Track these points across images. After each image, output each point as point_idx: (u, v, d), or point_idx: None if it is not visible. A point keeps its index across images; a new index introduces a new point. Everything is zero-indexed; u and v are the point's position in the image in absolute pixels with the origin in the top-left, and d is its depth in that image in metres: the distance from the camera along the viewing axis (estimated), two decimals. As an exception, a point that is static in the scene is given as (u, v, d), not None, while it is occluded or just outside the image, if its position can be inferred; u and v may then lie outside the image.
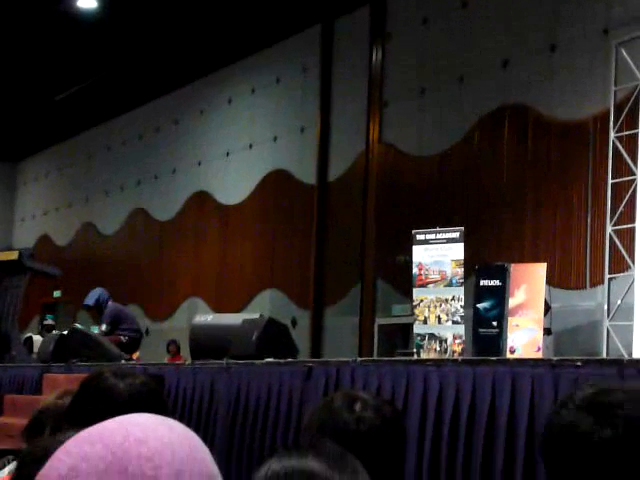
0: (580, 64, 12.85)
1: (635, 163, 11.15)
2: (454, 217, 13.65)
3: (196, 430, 1.26)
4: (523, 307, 10.97)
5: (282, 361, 8.04)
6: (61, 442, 1.78)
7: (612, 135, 11.43)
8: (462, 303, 11.66)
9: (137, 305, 20.64)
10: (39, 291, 20.68)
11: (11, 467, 3.49)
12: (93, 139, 24.97)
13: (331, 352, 15.85)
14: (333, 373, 6.90)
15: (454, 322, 11.71)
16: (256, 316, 10.60)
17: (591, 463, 1.76)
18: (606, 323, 11.05)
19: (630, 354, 10.15)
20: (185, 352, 14.56)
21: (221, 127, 20.21)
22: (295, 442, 6.64)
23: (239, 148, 19.60)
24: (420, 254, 12.04)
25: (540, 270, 11.11)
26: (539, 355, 10.40)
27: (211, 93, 20.47)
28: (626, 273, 11.21)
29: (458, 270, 11.72)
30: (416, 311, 12.07)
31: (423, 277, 12.00)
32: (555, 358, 5.90)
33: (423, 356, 11.46)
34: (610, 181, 11.39)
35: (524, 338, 10.86)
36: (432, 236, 12.01)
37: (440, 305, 11.82)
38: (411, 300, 12.45)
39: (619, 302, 11.06)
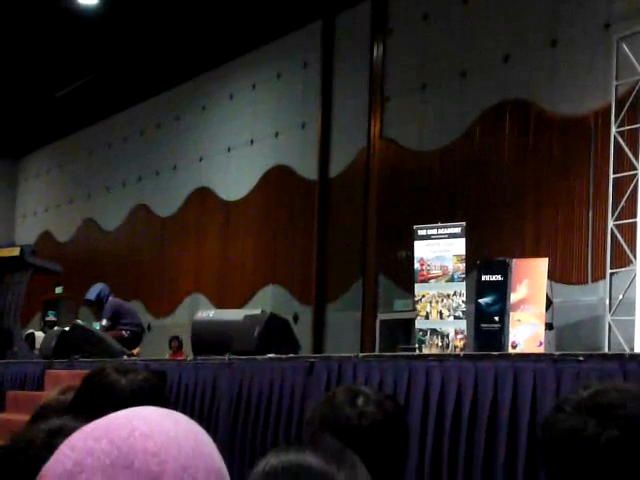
0: (581, 59, 12.84)
1: (636, 158, 11.14)
2: (456, 212, 13.64)
3: (198, 426, 1.26)
4: (525, 302, 10.97)
5: (284, 357, 8.04)
6: (44, 431, 1.78)
7: (613, 130, 11.42)
8: (464, 298, 11.66)
9: (139, 301, 20.64)
10: (41, 287, 20.69)
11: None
12: (94, 135, 24.97)
13: (333, 348, 15.86)
14: (335, 368, 6.90)
15: (456, 317, 11.71)
16: (258, 312, 10.60)
17: (598, 465, 1.76)
18: (608, 318, 11.05)
19: (632, 349, 10.16)
20: (187, 348, 14.57)
21: (222, 123, 20.20)
22: (297, 437, 6.65)
23: (240, 144, 19.60)
24: (422, 249, 12.04)
25: (542, 265, 11.11)
26: (541, 350, 10.41)
27: (212, 89, 20.46)
28: (628, 268, 11.21)
29: (460, 265, 11.72)
30: (418, 306, 12.07)
31: (425, 272, 12.00)
32: (557, 353, 5.90)
33: (425, 351, 11.46)
34: (611, 176, 11.39)
35: (526, 333, 10.86)
36: (434, 231, 12.01)
37: (442, 300, 11.82)
38: (413, 295, 12.45)
39: (621, 297, 11.06)
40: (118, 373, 2.73)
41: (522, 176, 13.46)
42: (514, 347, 10.76)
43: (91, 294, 13.13)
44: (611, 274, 11.29)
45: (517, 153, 13.63)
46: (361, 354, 7.15)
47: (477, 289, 11.40)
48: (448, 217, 12.88)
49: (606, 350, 10.46)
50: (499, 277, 11.16)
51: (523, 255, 12.33)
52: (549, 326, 11.21)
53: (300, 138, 18.06)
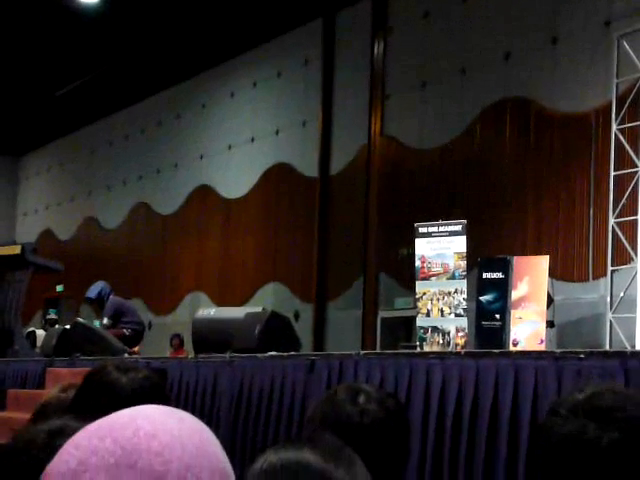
0: (582, 56, 12.83)
1: (637, 155, 11.14)
2: (456, 210, 13.64)
3: (199, 424, 1.26)
4: (526, 300, 10.96)
5: (285, 354, 8.04)
6: (45, 431, 1.78)
7: (614, 127, 11.42)
8: (465, 296, 11.66)
9: (140, 299, 20.65)
10: (42, 285, 20.68)
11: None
12: (95, 134, 24.97)
13: (334, 345, 15.87)
14: (336, 366, 6.90)
15: (457, 315, 11.71)
16: (259, 310, 10.61)
17: (600, 469, 1.75)
18: (609, 315, 11.05)
19: (633, 346, 10.16)
20: (188, 346, 14.57)
21: (223, 121, 20.20)
22: (298, 435, 6.65)
23: (241, 142, 19.60)
24: (422, 247, 12.03)
25: (543, 262, 11.10)
26: (542, 347, 10.40)
27: (213, 87, 20.46)
28: (629, 265, 11.21)
29: (461, 263, 11.72)
30: (419, 304, 12.06)
31: (426, 270, 12.00)
32: (558, 350, 5.89)
33: (426, 349, 11.46)
34: (612, 173, 11.39)
35: (527, 331, 10.86)
36: (434, 229, 12.00)
37: (443, 298, 11.81)
38: (414, 293, 12.44)
39: (622, 294, 11.06)
40: (119, 371, 2.73)
41: (523, 174, 13.46)
42: (515, 345, 10.76)
43: (92, 292, 13.14)
44: (612, 271, 11.29)
45: (518, 151, 13.62)
46: (362, 352, 7.15)
47: (478, 287, 11.39)
48: (449, 215, 12.87)
49: (607, 348, 10.46)
50: (500, 275, 11.15)
51: (524, 253, 12.33)
52: (550, 324, 11.20)
53: (301, 136, 18.06)
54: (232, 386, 8.00)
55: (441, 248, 11.88)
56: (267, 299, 17.62)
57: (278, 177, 18.43)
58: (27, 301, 15.17)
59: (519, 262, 11.19)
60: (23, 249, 14.70)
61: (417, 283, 12.14)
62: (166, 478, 1.14)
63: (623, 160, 11.42)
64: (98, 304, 13.16)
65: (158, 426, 1.18)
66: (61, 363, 11.03)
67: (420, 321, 12.05)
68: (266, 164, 18.74)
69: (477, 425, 5.74)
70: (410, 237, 12.61)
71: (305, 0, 17.17)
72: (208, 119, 20.73)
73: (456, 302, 11.72)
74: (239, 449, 7.63)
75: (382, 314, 15.53)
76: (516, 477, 5.39)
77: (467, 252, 11.68)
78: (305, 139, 17.89)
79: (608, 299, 11.20)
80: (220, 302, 18.25)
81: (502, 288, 11.10)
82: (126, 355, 11.38)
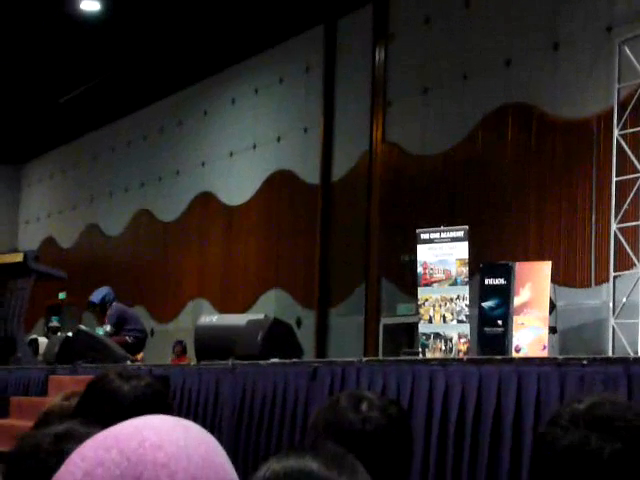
0: (583, 62, 12.84)
1: (639, 160, 11.14)
2: (458, 216, 13.64)
3: (201, 431, 1.26)
4: (528, 305, 10.94)
5: (287, 361, 8.04)
6: (50, 436, 1.78)
7: (616, 133, 11.42)
8: (467, 302, 11.64)
9: (142, 306, 20.65)
10: (44, 293, 20.68)
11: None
12: (97, 141, 24.99)
13: (336, 352, 15.85)
14: (338, 373, 6.90)
15: (459, 321, 11.69)
16: (261, 316, 10.60)
17: (603, 479, 1.75)
18: (612, 321, 11.04)
19: (636, 352, 10.14)
20: (191, 353, 14.57)
21: (225, 128, 20.22)
22: (301, 442, 6.64)
23: (243, 148, 19.61)
24: (424, 253, 12.01)
25: (545, 268, 11.08)
26: (545, 354, 10.39)
27: (214, 94, 20.48)
28: (631, 271, 11.20)
29: (463, 269, 11.70)
30: (421, 310, 12.05)
31: (428, 276, 11.98)
32: (561, 357, 5.89)
33: (428, 355, 11.45)
34: (614, 179, 11.38)
35: (529, 337, 10.84)
36: (436, 235, 11.98)
37: (445, 304, 11.80)
38: (416, 299, 12.43)
39: (624, 300, 11.05)
40: (121, 379, 2.73)
41: (525, 179, 13.45)
42: (517, 351, 10.74)
43: (96, 296, 13.15)
44: (614, 277, 11.28)
45: (519, 156, 13.62)
46: (364, 359, 7.15)
47: (480, 293, 11.37)
48: (451, 221, 12.86)
49: (610, 353, 10.45)
50: (502, 281, 11.13)
51: (526, 258, 12.32)
52: (553, 330, 11.19)
53: (302, 142, 18.06)
54: (234, 393, 8.00)
55: (443, 254, 11.86)
56: (269, 306, 17.61)
57: (280, 184, 18.44)
58: (29, 308, 15.19)
59: (521, 268, 11.18)
60: (25, 257, 14.73)
61: (419, 289, 12.12)
62: None
63: (625, 165, 11.42)
64: (100, 309, 13.16)
65: (164, 437, 1.18)
66: (63, 371, 11.04)
67: (422, 327, 12.04)
68: (268, 171, 18.75)
69: (480, 431, 5.73)
70: (412, 243, 12.60)
71: (306, 7, 17.18)
72: (210, 126, 20.75)
73: (458, 308, 11.71)
74: (241, 456, 7.62)
75: (384, 320, 15.52)
76: (519, 483, 5.38)
77: (469, 258, 11.67)
78: (307, 145, 17.89)
79: (610, 305, 11.19)
80: (222, 309, 18.25)
81: (504, 294, 11.08)
82: (128, 362, 11.38)
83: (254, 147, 19.32)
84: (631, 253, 11.12)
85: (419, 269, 12.09)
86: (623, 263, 11.34)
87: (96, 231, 24.67)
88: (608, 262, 11.47)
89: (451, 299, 11.76)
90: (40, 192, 28.05)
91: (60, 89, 21.76)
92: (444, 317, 11.80)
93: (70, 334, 12.54)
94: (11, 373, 12.35)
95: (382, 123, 16.23)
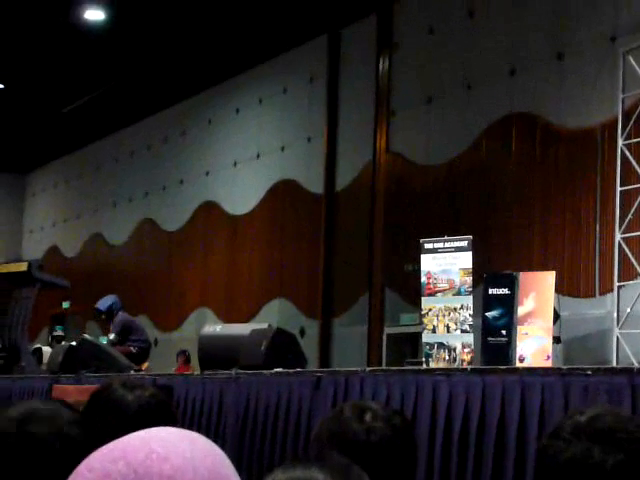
0: (587, 72, 12.84)
1: (643, 170, 11.13)
2: (462, 226, 13.63)
3: (205, 441, 1.26)
4: (532, 315, 10.93)
5: (291, 371, 8.03)
6: (13, 419, 1.77)
7: (620, 142, 11.41)
8: (471, 312, 11.64)
9: (146, 315, 20.64)
10: (48, 302, 20.69)
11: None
12: (101, 150, 25.02)
13: (340, 362, 15.84)
14: (342, 383, 6.90)
15: (463, 331, 11.68)
16: (264, 326, 10.60)
17: None
18: (616, 331, 11.02)
19: (640, 362, 10.12)
20: (194, 362, 14.56)
21: (228, 137, 20.24)
22: (304, 452, 6.63)
23: (246, 158, 19.62)
24: (428, 263, 12.02)
25: (549, 278, 11.07)
26: (548, 364, 10.37)
27: (218, 103, 20.50)
28: (635, 281, 11.19)
29: (466, 279, 11.70)
30: (425, 320, 12.04)
31: (431, 286, 11.98)
32: (565, 367, 5.89)
33: (432, 365, 11.44)
34: (618, 189, 11.38)
35: (533, 347, 10.83)
36: (440, 245, 11.99)
37: (449, 314, 11.79)
38: (419, 309, 12.42)
39: (629, 310, 11.04)
40: (125, 389, 2.73)
41: (529, 189, 13.45)
42: (521, 361, 10.73)
43: (103, 304, 13.15)
44: (619, 287, 11.27)
45: (523, 166, 13.62)
46: (368, 368, 7.15)
47: (484, 302, 11.37)
48: (454, 230, 12.86)
49: (614, 363, 10.43)
50: (506, 290, 11.13)
51: (530, 268, 12.30)
52: (557, 339, 11.17)
53: (306, 152, 18.07)
54: (238, 402, 8.00)
55: (447, 264, 11.87)
56: (273, 315, 17.60)
57: (284, 193, 18.45)
58: (33, 318, 15.19)
59: (525, 278, 11.17)
60: (29, 266, 14.74)
61: (423, 299, 12.12)
62: None
63: (629, 175, 11.41)
64: (107, 317, 13.15)
65: (170, 449, 1.18)
66: (67, 380, 11.03)
67: (426, 337, 12.03)
68: (271, 180, 18.76)
69: (484, 442, 5.72)
70: (416, 253, 12.60)
71: (310, 17, 17.21)
72: (213, 135, 20.77)
73: (462, 318, 11.70)
74: (245, 465, 7.62)
75: (388, 330, 15.50)
76: (523, 494, 5.37)
77: (473, 268, 11.67)
78: (310, 155, 17.90)
79: (615, 315, 11.17)
80: (226, 318, 18.25)
81: (508, 304, 11.08)
82: (132, 372, 11.38)
83: (258, 157, 19.34)
84: (635, 263, 11.11)
85: (423, 279, 12.09)
86: (627, 273, 11.33)
87: (100, 240, 24.68)
88: (612, 272, 11.46)
89: (455, 309, 11.76)
90: (44, 201, 28.09)
91: (64, 99, 21.80)
92: (448, 327, 11.80)
93: (74, 343, 12.53)
94: (15, 382, 12.35)
95: (386, 132, 16.24)
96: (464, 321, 11.68)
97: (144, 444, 1.19)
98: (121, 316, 12.97)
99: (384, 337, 15.49)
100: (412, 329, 14.28)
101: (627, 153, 11.36)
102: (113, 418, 2.59)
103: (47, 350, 15.91)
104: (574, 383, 5.30)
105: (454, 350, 11.69)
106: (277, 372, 8.11)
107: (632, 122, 11.38)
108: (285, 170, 18.45)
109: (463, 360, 11.52)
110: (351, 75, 17.27)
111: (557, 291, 11.24)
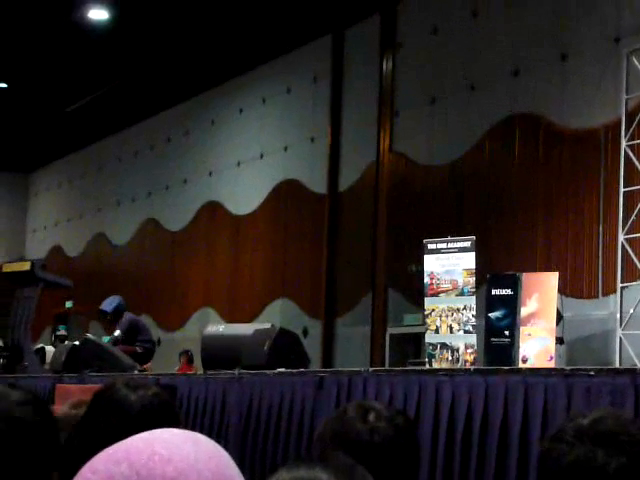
0: (591, 73, 12.83)
1: (647, 171, 11.13)
2: (465, 226, 13.63)
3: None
4: (535, 316, 10.93)
5: (294, 371, 8.03)
6: None
7: (623, 144, 11.41)
8: (474, 312, 11.64)
9: (149, 315, 20.64)
10: (51, 302, 20.71)
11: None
12: (104, 150, 25.04)
13: (342, 362, 15.84)
14: (345, 383, 6.90)
15: (466, 331, 11.68)
16: (267, 326, 10.59)
17: None
18: (619, 332, 11.02)
19: (643, 363, 10.12)
20: (197, 362, 14.57)
21: (232, 137, 20.24)
22: (308, 452, 6.64)
23: (250, 158, 19.62)
24: (431, 263, 12.02)
25: (552, 279, 11.07)
26: (551, 364, 10.37)
27: (222, 103, 20.50)
28: (638, 282, 11.18)
29: (469, 279, 11.70)
30: (428, 320, 12.05)
31: (434, 286, 11.99)
32: (568, 368, 5.88)
33: (435, 366, 11.44)
34: (622, 190, 11.37)
35: (536, 347, 10.83)
36: (443, 245, 11.99)
37: (452, 314, 11.79)
38: (422, 309, 12.43)
39: (632, 311, 11.03)
40: (128, 388, 2.73)
41: (532, 190, 13.44)
42: (524, 361, 10.72)
43: (108, 305, 13.10)
44: (622, 288, 11.26)
45: (527, 167, 13.61)
46: (371, 368, 7.15)
47: (487, 303, 11.37)
48: (457, 231, 12.86)
49: (617, 364, 10.43)
50: (509, 291, 11.13)
51: (533, 269, 12.30)
52: (560, 340, 11.17)
53: (309, 152, 18.08)
54: (241, 402, 8.00)
55: (450, 264, 11.87)
56: (276, 315, 17.61)
57: (287, 193, 18.45)
58: (36, 317, 15.20)
59: (528, 278, 11.17)
60: (33, 265, 14.75)
61: (426, 299, 12.12)
62: None
63: (633, 176, 11.41)
64: (112, 317, 13.10)
65: (174, 451, 1.18)
66: (70, 379, 11.04)
67: (429, 338, 12.04)
68: (275, 180, 18.76)
69: (487, 442, 5.72)
70: (419, 253, 12.60)
71: (314, 17, 17.21)
72: (217, 135, 20.77)
73: (465, 319, 11.70)
74: (248, 465, 7.62)
75: (391, 330, 15.50)
76: (526, 495, 5.37)
77: (476, 268, 11.67)
78: (314, 155, 17.90)
79: (618, 316, 11.17)
80: (229, 318, 18.25)
81: (511, 305, 11.08)
82: (136, 372, 11.38)
83: (261, 157, 19.34)
84: (638, 264, 11.10)
85: (426, 279, 12.09)
86: (630, 274, 11.32)
87: (103, 240, 24.70)
88: (615, 273, 11.45)
89: (458, 309, 11.76)
90: (47, 201, 28.11)
91: (67, 98, 21.81)
92: (451, 327, 11.80)
93: (77, 343, 12.54)
94: (18, 382, 12.34)
95: (389, 133, 16.24)
96: (467, 322, 11.68)
97: (147, 446, 1.19)
98: (128, 316, 12.96)
99: (387, 337, 15.48)
100: (415, 329, 14.28)
101: (630, 154, 11.35)
102: (116, 418, 2.59)
103: (50, 350, 15.93)
104: (577, 384, 5.30)
105: (457, 351, 11.69)
106: (280, 372, 8.11)
107: (635, 123, 11.38)
108: (288, 170, 18.45)
109: (466, 361, 11.52)
110: (354, 75, 17.27)
111: (560, 292, 11.23)
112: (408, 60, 16.08)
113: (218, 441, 1.28)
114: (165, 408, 2.72)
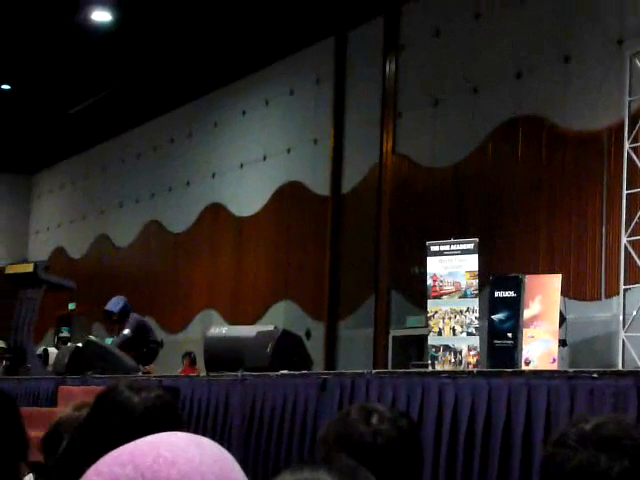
0: (594, 75, 12.82)
1: (650, 173, 11.12)
2: (468, 228, 13.62)
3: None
4: (538, 318, 10.93)
5: (297, 373, 8.03)
6: None
7: (626, 146, 11.40)
8: (477, 314, 11.63)
9: (152, 317, 20.61)
10: (54, 303, 20.72)
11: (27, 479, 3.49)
12: (107, 152, 25.05)
13: (345, 364, 15.84)
14: (348, 385, 6.90)
15: (469, 333, 11.68)
16: (270, 328, 10.60)
17: None
18: (622, 334, 11.01)
19: (646, 365, 10.11)
20: (200, 364, 14.56)
21: (235, 139, 20.25)
22: (310, 454, 6.63)
23: (253, 160, 19.63)
24: (434, 265, 12.01)
25: (555, 281, 11.07)
26: (554, 367, 10.37)
27: (225, 105, 20.51)
28: (641, 284, 11.17)
29: (472, 281, 11.69)
30: (430, 322, 12.04)
31: (437, 288, 11.98)
32: (571, 370, 5.88)
33: (438, 368, 11.43)
34: (625, 192, 11.37)
35: (539, 349, 10.82)
36: (446, 247, 11.98)
37: (455, 316, 11.79)
38: (425, 311, 12.42)
39: (635, 313, 11.02)
40: (131, 390, 2.73)
41: (535, 192, 13.44)
42: (527, 364, 10.72)
43: (114, 306, 13.06)
44: (625, 290, 11.25)
45: (530, 169, 13.61)
46: (374, 371, 7.15)
47: (490, 305, 11.37)
48: (460, 233, 12.86)
49: (620, 366, 10.42)
50: (512, 293, 11.12)
51: (536, 271, 12.30)
52: (563, 342, 11.17)
53: (312, 154, 18.08)
54: (244, 404, 8.00)
55: (453, 266, 11.86)
56: (278, 317, 17.61)
57: (290, 195, 18.45)
58: (39, 319, 15.20)
59: (531, 281, 11.17)
60: (36, 267, 14.75)
61: (429, 301, 12.12)
62: None
63: (636, 178, 11.40)
64: (119, 318, 13.08)
65: (178, 454, 1.19)
66: (73, 381, 11.05)
67: (432, 340, 12.03)
68: (278, 182, 18.77)
69: (490, 444, 5.72)
70: (422, 255, 12.60)
71: (317, 18, 17.22)
72: (220, 137, 20.78)
73: (468, 321, 11.70)
74: (251, 467, 7.62)
75: (394, 332, 15.50)
76: (529, 497, 5.37)
77: (479, 270, 11.66)
78: (317, 157, 17.91)
79: (621, 318, 11.16)
80: (232, 320, 18.25)
81: (514, 307, 11.07)
82: (140, 373, 11.38)
83: (264, 158, 19.35)
84: (641, 266, 11.09)
85: (429, 281, 12.08)
86: (633, 276, 11.31)
87: (106, 242, 24.71)
88: (618, 275, 11.44)
89: (461, 311, 11.76)
90: (50, 202, 28.13)
91: (70, 100, 21.83)
92: (454, 329, 11.79)
93: (80, 345, 12.54)
94: (21, 383, 12.36)
95: (392, 135, 16.24)
96: (470, 324, 11.68)
97: (152, 448, 1.19)
98: (135, 317, 12.96)
99: (390, 339, 15.49)
100: (418, 331, 14.28)
101: (633, 156, 11.35)
102: (119, 420, 2.59)
103: (53, 351, 15.94)
104: (580, 386, 5.30)
105: (460, 353, 11.69)
106: (283, 374, 8.11)
107: (638, 125, 11.37)
108: (291, 172, 18.45)
109: (469, 363, 11.51)
110: (357, 77, 17.27)
111: (563, 294, 11.23)
112: (411, 62, 16.09)
113: (221, 443, 1.28)
114: (168, 410, 2.72)
